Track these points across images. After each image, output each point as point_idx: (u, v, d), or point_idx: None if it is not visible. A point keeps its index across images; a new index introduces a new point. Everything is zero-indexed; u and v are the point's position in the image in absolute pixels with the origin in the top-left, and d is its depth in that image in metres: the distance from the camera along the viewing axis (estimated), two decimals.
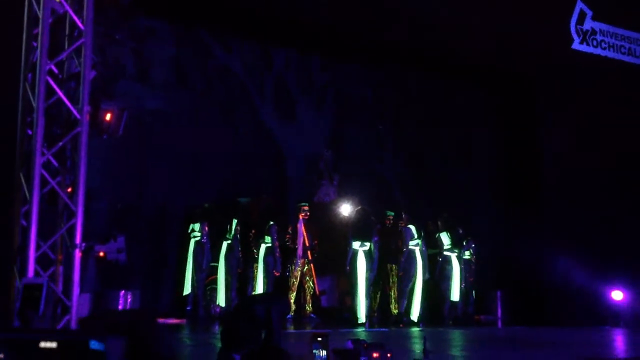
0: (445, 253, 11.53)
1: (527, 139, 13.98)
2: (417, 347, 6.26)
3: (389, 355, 6.06)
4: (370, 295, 10.95)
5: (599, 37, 12.00)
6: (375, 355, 6.00)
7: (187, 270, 10.59)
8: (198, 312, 10.52)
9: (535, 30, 11.50)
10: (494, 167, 14.32)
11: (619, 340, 10.24)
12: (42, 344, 2.38)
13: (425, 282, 11.15)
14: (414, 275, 10.99)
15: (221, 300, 10.48)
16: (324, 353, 5.72)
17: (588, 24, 11.90)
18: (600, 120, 12.87)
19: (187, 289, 10.58)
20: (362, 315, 10.39)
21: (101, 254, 8.03)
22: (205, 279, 10.68)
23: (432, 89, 14.11)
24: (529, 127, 13.97)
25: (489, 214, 13.72)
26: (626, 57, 12.28)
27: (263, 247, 10.87)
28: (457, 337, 9.73)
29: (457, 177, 14.06)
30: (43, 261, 6.38)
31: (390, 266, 11.59)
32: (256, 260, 10.93)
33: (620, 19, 12.31)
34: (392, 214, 11.85)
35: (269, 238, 10.85)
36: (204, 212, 10.76)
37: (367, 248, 10.60)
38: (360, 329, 9.84)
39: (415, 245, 11.08)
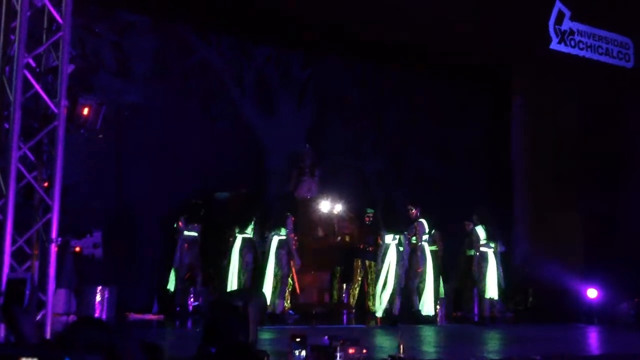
0: (482, 249, 11.01)
1: (505, 137, 14.11)
2: (393, 343, 6.32)
3: (364, 351, 6.12)
4: (399, 291, 10.34)
5: (577, 38, 12.12)
6: (351, 351, 6.06)
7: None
8: (175, 308, 10.49)
9: (515, 30, 11.59)
10: (472, 164, 14.43)
11: (593, 338, 10.38)
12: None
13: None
14: (423, 272, 10.76)
15: None
16: (303, 353, 5.77)
17: (566, 25, 12.01)
18: (579, 120, 13.03)
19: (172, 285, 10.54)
20: (380, 309, 10.15)
21: (77, 249, 7.98)
22: (184, 275, 10.64)
23: (413, 86, 14.18)
24: (508, 125, 14.09)
25: (467, 211, 13.80)
26: (603, 57, 12.42)
27: (276, 239, 10.31)
28: (432, 334, 9.82)
29: (436, 174, 14.16)
30: (19, 256, 6.35)
31: (369, 263, 11.64)
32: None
33: (597, 19, 12.44)
34: (372, 211, 11.88)
35: (284, 230, 10.31)
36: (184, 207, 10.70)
37: (397, 241, 10.19)
38: (343, 325, 9.87)
39: (426, 240, 10.91)
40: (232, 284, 10.18)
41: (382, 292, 10.19)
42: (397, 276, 10.13)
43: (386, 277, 10.12)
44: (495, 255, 11.00)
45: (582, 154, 12.80)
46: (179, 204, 10.79)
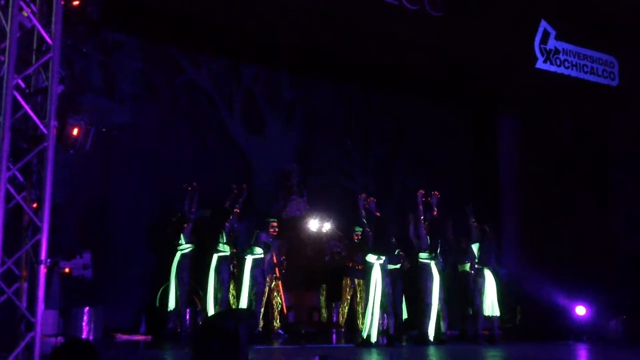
0: (477, 266, 10.92)
1: (492, 155, 14.19)
2: None
3: None
4: (392, 312, 10.02)
5: (562, 56, 12.26)
6: None
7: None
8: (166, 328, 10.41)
9: (501, 49, 11.70)
10: (459, 182, 14.46)
11: (582, 355, 10.39)
12: None
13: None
14: (430, 290, 10.22)
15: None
16: None
17: (552, 44, 12.14)
18: (566, 138, 13.14)
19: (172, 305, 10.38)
20: (373, 333, 9.58)
21: (66, 270, 7.92)
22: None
23: (399, 105, 14.25)
24: (494, 143, 14.18)
25: (456, 230, 13.82)
26: (589, 76, 12.56)
27: (250, 258, 10.39)
28: (421, 354, 9.79)
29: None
30: (7, 277, 6.28)
31: (358, 281, 11.62)
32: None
33: (582, 38, 12.59)
34: (360, 229, 11.86)
35: (257, 249, 10.45)
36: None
37: (382, 262, 9.76)
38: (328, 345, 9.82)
39: (428, 258, 10.42)
40: (209, 303, 10.09)
41: (367, 312, 9.69)
42: (384, 295, 9.71)
43: (374, 297, 9.66)
44: (492, 272, 10.95)
45: (570, 171, 12.90)
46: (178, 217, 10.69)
